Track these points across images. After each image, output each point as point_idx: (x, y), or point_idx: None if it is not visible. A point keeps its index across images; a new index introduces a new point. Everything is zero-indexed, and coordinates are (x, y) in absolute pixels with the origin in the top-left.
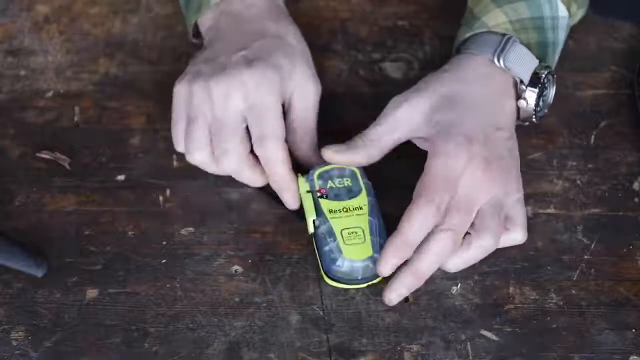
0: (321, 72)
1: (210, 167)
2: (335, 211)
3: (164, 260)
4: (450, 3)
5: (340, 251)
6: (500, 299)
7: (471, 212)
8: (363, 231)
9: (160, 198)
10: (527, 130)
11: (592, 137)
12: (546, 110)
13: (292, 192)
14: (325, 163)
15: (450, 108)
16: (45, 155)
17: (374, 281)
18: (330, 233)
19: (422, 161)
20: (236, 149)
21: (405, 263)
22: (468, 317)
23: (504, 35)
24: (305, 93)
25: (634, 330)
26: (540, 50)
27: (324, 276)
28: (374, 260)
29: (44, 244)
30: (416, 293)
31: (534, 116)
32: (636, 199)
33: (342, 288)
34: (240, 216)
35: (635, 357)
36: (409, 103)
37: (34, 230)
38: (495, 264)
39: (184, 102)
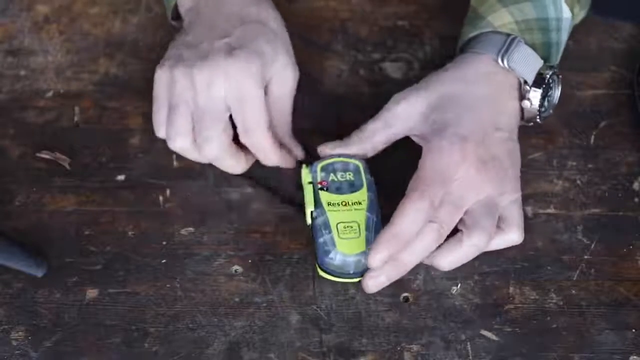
0: (321, 72)
1: (192, 154)
2: (333, 204)
3: (164, 260)
4: (450, 3)
5: (334, 244)
6: (500, 299)
7: (460, 208)
8: (359, 226)
9: (160, 198)
10: (527, 130)
11: (592, 137)
12: (551, 111)
13: (289, 164)
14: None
15: (448, 107)
16: (45, 155)
17: None
18: (326, 225)
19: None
20: (219, 137)
21: None
22: (468, 317)
23: (508, 35)
24: (284, 79)
25: (634, 330)
26: (544, 51)
27: (317, 268)
28: (367, 256)
29: (44, 244)
30: (416, 293)
31: (538, 117)
32: (636, 199)
33: (337, 282)
34: (240, 216)
35: (635, 357)
36: (407, 101)
37: (34, 230)
38: (495, 264)
39: (166, 88)
